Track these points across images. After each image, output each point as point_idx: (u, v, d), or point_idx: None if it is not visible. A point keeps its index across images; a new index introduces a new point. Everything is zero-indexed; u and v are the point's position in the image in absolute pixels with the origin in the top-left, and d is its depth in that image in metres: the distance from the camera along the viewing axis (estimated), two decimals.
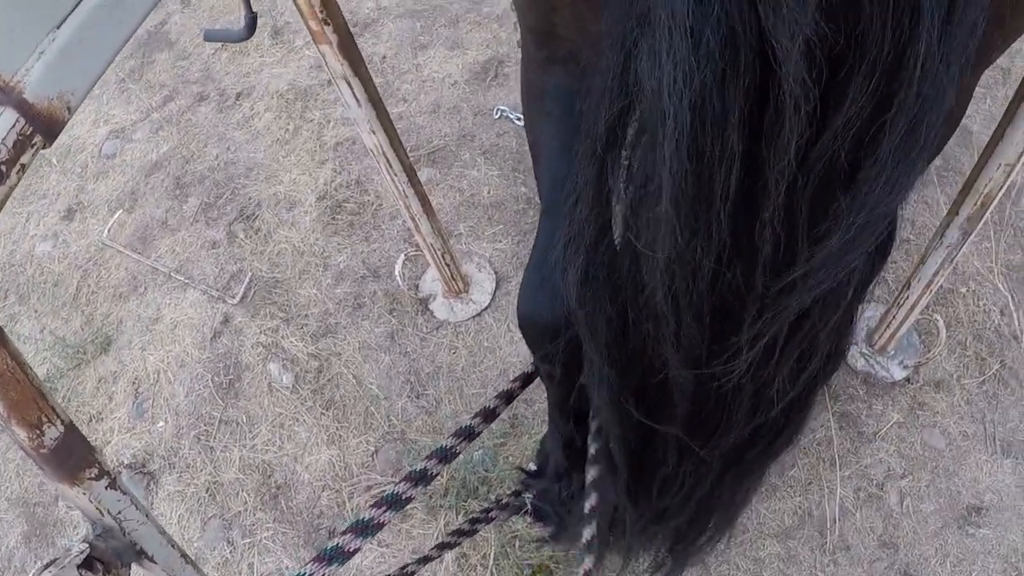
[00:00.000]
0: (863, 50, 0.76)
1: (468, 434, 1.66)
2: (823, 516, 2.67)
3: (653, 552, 1.99)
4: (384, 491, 2.80)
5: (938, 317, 2.82)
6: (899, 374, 2.88)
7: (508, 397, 1.79)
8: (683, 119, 0.80)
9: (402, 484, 1.46)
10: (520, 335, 1.67)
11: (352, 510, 2.80)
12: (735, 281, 0.97)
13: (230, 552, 2.81)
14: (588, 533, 1.54)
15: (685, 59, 0.77)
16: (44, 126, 0.95)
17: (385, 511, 1.41)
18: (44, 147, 0.96)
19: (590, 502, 1.58)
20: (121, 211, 3.79)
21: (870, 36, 0.75)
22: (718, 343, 1.06)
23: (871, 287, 1.09)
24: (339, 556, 1.33)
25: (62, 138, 3.49)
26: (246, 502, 2.89)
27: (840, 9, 0.73)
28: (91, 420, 3.21)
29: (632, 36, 0.85)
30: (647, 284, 1.03)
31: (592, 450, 1.62)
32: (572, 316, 1.23)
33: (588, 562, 1.48)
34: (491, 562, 2.64)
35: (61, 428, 1.10)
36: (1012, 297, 3.02)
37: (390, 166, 2.46)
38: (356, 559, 2.68)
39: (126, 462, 3.04)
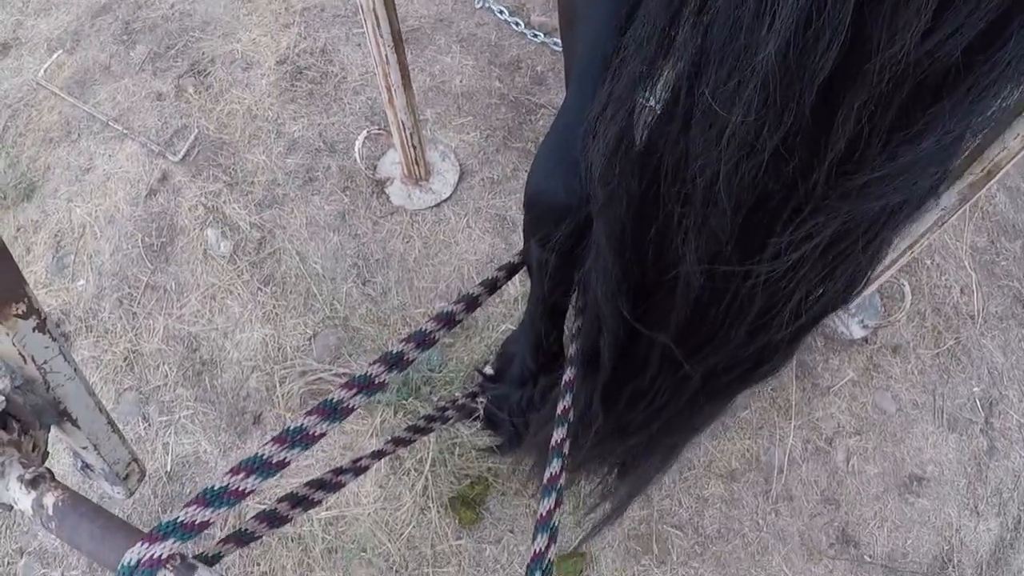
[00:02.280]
0: None
1: (448, 320, 1.49)
2: (770, 463, 2.64)
3: (602, 477, 1.93)
4: (320, 378, 2.64)
5: (904, 282, 2.79)
6: (858, 333, 2.87)
7: (492, 286, 1.64)
8: None
9: (376, 366, 1.27)
10: (524, 211, 1.53)
11: (283, 396, 2.62)
12: (791, 174, 0.87)
13: (144, 429, 2.63)
14: (558, 435, 1.39)
15: None
16: None
17: (356, 394, 1.22)
18: None
19: (564, 403, 1.43)
20: (61, 51, 3.51)
21: None
22: (747, 242, 0.96)
23: (915, 215, 0.97)
24: (302, 440, 1.14)
25: None
26: (167, 376, 2.70)
27: None
28: (20, 269, 2.96)
29: None
30: (697, 157, 0.91)
31: (570, 351, 1.50)
32: (592, 193, 1.12)
33: (556, 464, 1.33)
34: (427, 467, 2.51)
35: None
36: (974, 277, 3.04)
37: (378, 26, 2.28)
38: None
39: None
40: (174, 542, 0.96)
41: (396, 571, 2.39)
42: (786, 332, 1.10)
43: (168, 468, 2.53)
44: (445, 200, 3.01)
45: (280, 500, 1.38)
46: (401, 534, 2.42)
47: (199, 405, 2.64)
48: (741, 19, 0.80)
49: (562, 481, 1.34)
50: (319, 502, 1.45)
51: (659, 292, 1.15)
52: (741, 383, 1.32)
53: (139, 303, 2.83)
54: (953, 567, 2.54)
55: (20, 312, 1.02)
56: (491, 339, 2.68)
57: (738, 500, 2.57)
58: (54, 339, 1.08)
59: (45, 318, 1.06)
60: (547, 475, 1.34)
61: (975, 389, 2.83)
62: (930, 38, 0.73)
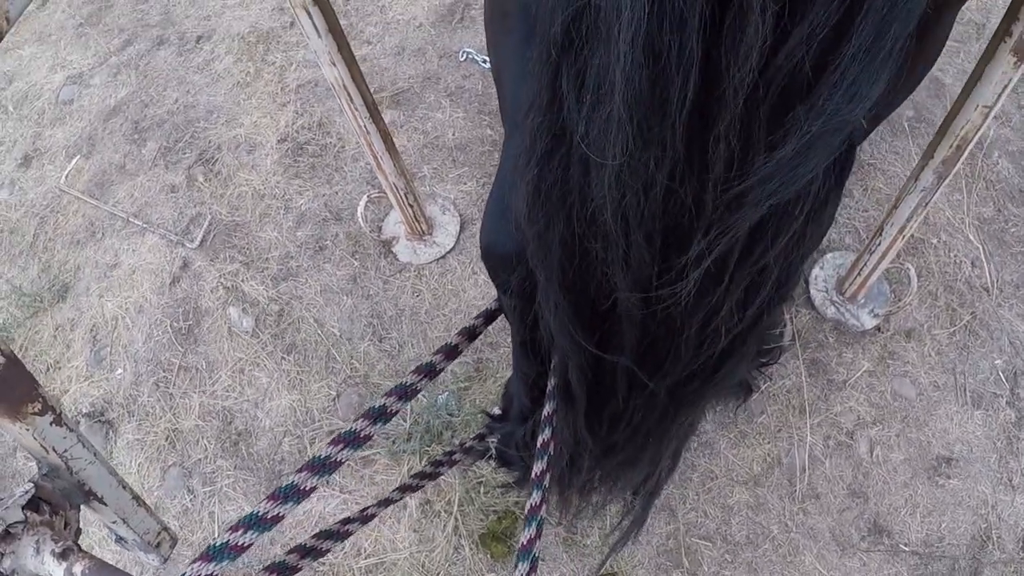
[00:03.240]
0: None
1: (429, 371, 1.58)
2: (792, 464, 2.65)
3: (605, 499, 1.99)
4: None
5: (910, 266, 2.77)
6: (870, 323, 2.86)
7: (471, 334, 1.72)
8: (639, 13, 0.76)
9: (360, 421, 1.38)
10: (484, 269, 1.61)
11: (302, 462, 2.74)
12: (686, 198, 0.93)
13: (191, 500, 2.76)
14: (538, 468, 1.48)
15: None
16: None
17: (343, 449, 1.33)
18: None
19: (543, 436, 1.53)
20: (79, 157, 3.70)
21: None
22: (667, 264, 1.01)
23: (825, 214, 1.03)
24: (294, 495, 1.25)
25: (18, 85, 3.41)
26: (206, 449, 2.84)
27: None
28: (48, 369, 3.15)
29: None
30: (596, 198, 0.97)
31: (550, 385, 1.56)
32: (522, 235, 1.17)
33: (536, 496, 1.42)
34: (455, 508, 2.60)
35: (1, 359, 1.05)
36: (983, 249, 3.00)
37: (351, 101, 2.39)
38: (318, 506, 2.64)
39: (85, 411, 2.98)
40: None
41: None
42: (731, 338, 1.15)
43: (216, 535, 2.66)
44: (449, 251, 3.12)
45: (290, 552, 1.48)
46: (438, 574, 2.52)
47: (239, 473, 2.77)
48: (599, 68, 0.86)
49: (542, 512, 1.42)
50: (327, 551, 1.56)
51: (609, 320, 1.20)
52: (704, 391, 1.36)
53: (174, 384, 2.98)
54: (993, 544, 2.50)
55: (36, 410, 1.14)
56: (503, 380, 2.75)
57: (764, 504, 2.58)
58: (71, 430, 1.21)
59: (60, 413, 1.19)
60: (528, 506, 1.43)
61: (997, 362, 2.79)
62: (778, 54, 0.79)
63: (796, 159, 0.84)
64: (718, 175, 0.89)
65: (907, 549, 2.51)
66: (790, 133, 0.83)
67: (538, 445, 1.52)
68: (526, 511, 1.41)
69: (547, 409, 1.55)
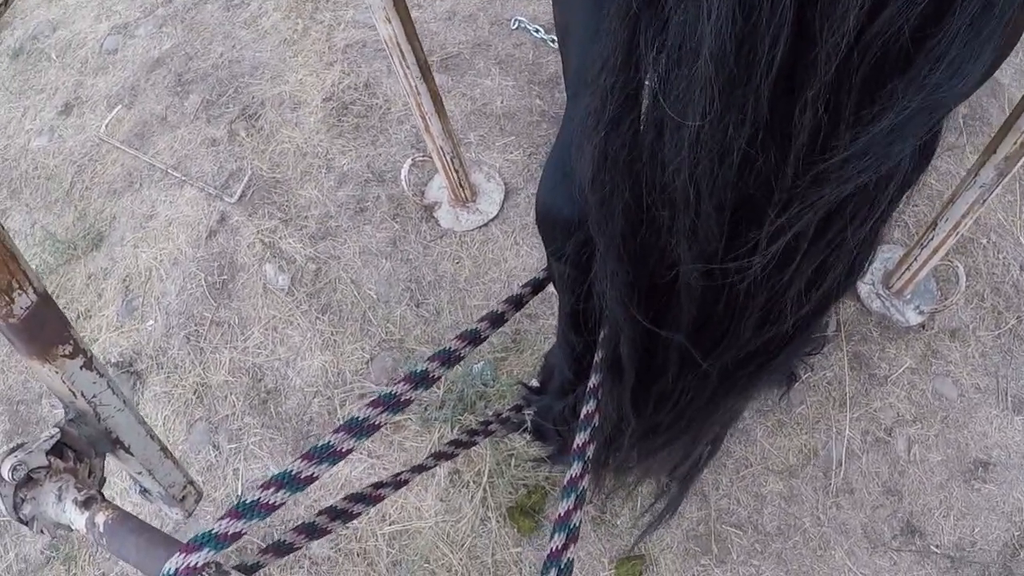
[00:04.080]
0: None
1: (473, 338, 1.54)
2: (829, 457, 2.61)
3: (640, 480, 1.96)
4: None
5: (958, 264, 2.73)
6: (915, 319, 2.82)
7: (517, 303, 1.68)
8: None
9: (401, 385, 1.33)
10: (527, 239, 1.56)
11: (344, 418, 2.70)
12: (765, 168, 0.88)
13: (215, 456, 2.72)
14: (581, 439, 1.43)
15: None
16: None
17: (382, 412, 1.28)
18: None
19: (587, 408, 1.48)
20: (120, 107, 3.67)
21: None
22: (736, 238, 0.97)
23: (908, 194, 0.97)
24: (329, 456, 1.21)
25: (62, 32, 3.38)
26: (234, 406, 2.80)
27: None
28: (79, 317, 3.12)
29: None
30: (670, 163, 0.93)
31: (598, 357, 1.52)
32: (584, 201, 1.13)
33: (577, 467, 1.37)
34: (485, 479, 2.56)
35: (33, 296, 1.03)
36: None
37: (404, 59, 2.34)
38: (345, 469, 2.60)
39: (113, 361, 2.95)
40: (209, 552, 1.04)
41: None
42: (792, 323, 1.11)
43: (239, 492, 2.63)
44: (492, 219, 3.07)
45: (319, 513, 1.43)
46: (462, 545, 2.48)
47: (266, 431, 2.73)
48: (685, 25, 0.82)
49: (584, 483, 1.37)
50: (358, 515, 1.51)
51: (667, 294, 1.17)
52: (757, 376, 1.32)
53: (205, 339, 2.94)
54: None
55: (67, 352, 1.10)
56: (542, 352, 2.71)
57: (797, 496, 2.55)
58: (101, 375, 1.16)
59: (91, 356, 1.14)
60: (568, 477, 1.38)
61: None
62: (876, 20, 0.74)
63: (892, 135, 0.80)
64: (801, 146, 0.84)
65: (938, 551, 2.47)
66: (887, 107, 0.78)
67: (582, 416, 1.47)
68: (565, 481, 1.36)
69: (593, 381, 1.51)
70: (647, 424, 1.55)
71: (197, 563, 1.03)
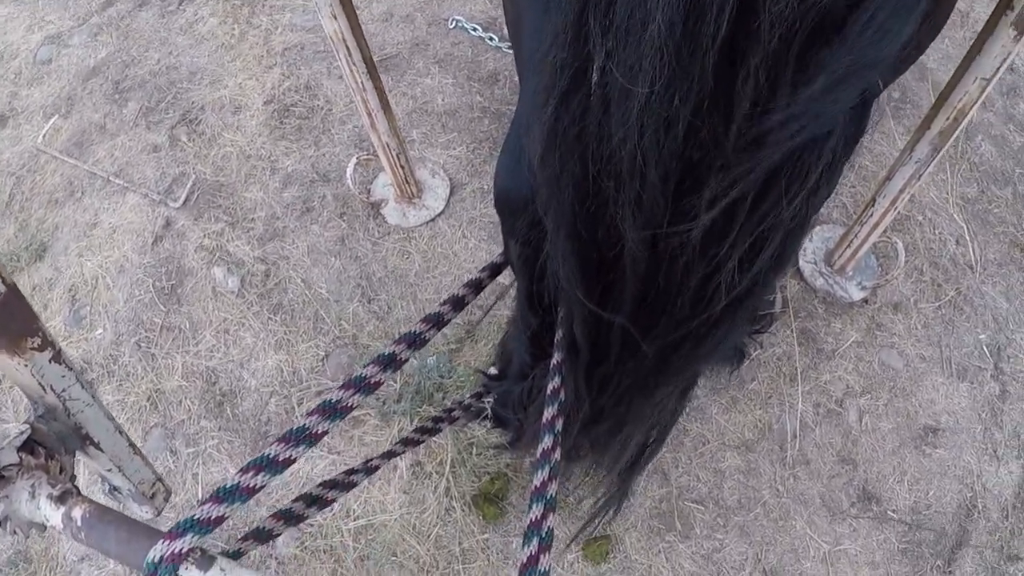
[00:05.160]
0: None
1: (437, 321, 1.57)
2: (783, 430, 2.68)
3: (592, 468, 2.02)
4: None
5: (897, 240, 2.81)
6: (858, 295, 2.91)
7: (477, 286, 1.71)
8: None
9: (371, 367, 1.36)
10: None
11: (303, 416, 2.70)
12: (708, 136, 0.92)
13: (173, 462, 2.71)
14: (549, 413, 1.46)
15: None
16: None
17: (354, 394, 1.31)
18: None
19: (553, 384, 1.51)
20: (57, 116, 3.63)
21: None
22: (679, 208, 1.00)
23: (839, 171, 1.01)
24: (307, 438, 1.23)
25: None
26: (189, 410, 2.79)
27: None
28: (31, 306, 3.06)
29: None
30: (617, 134, 0.95)
31: (558, 335, 1.55)
32: (534, 177, 1.15)
33: (547, 441, 1.40)
34: (447, 469, 2.58)
35: (2, 288, 1.02)
36: (967, 228, 3.08)
37: (350, 55, 2.36)
38: (306, 467, 2.61)
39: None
40: (193, 536, 1.05)
41: (427, 571, 2.46)
42: (725, 302, 1.14)
43: (200, 496, 2.61)
44: (439, 215, 3.09)
45: (295, 500, 1.46)
46: (429, 535, 2.50)
47: (223, 434, 2.72)
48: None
49: (556, 456, 1.41)
50: (332, 501, 1.53)
51: (613, 272, 1.20)
52: (693, 356, 1.35)
53: (156, 344, 2.92)
54: (979, 513, 2.56)
55: (36, 345, 1.09)
56: (495, 342, 2.74)
57: (755, 469, 2.61)
58: (70, 368, 1.16)
59: (60, 350, 1.14)
60: (540, 449, 1.41)
61: (981, 336, 2.86)
62: None
63: (824, 97, 0.84)
64: (742, 113, 0.87)
65: (895, 516, 2.56)
66: (820, 71, 0.82)
67: (548, 391, 1.50)
68: (538, 454, 1.39)
69: (556, 358, 1.53)
70: (592, 409, 1.59)
71: (182, 549, 1.05)
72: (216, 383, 2.82)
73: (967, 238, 3.04)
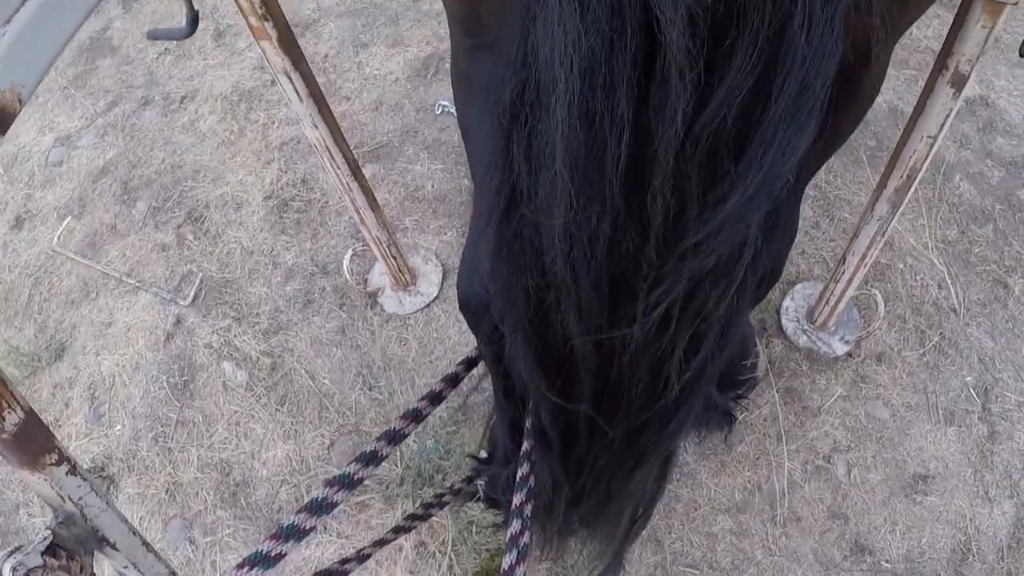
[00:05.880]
0: (745, 20, 0.79)
1: (415, 416, 1.71)
2: (772, 490, 2.74)
3: (586, 540, 2.10)
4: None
5: (876, 292, 2.89)
6: (841, 349, 2.95)
7: (453, 380, 1.83)
8: (573, 84, 0.84)
9: (353, 465, 1.51)
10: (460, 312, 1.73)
11: (291, 513, 2.83)
12: (631, 249, 1.01)
13: (192, 551, 2.85)
14: (518, 499, 1.59)
15: (574, 27, 0.82)
16: None
17: (338, 491, 1.46)
18: None
19: (522, 470, 1.62)
20: (70, 218, 3.80)
21: (751, 6, 0.79)
22: (616, 311, 1.10)
23: (760, 262, 1.09)
24: (295, 534, 1.38)
25: (7, 147, 3.52)
26: (206, 501, 2.93)
27: None
28: (49, 426, 3.22)
29: (532, 10, 0.88)
30: (547, 252, 1.06)
31: (528, 424, 1.65)
32: (486, 290, 1.27)
33: (516, 525, 1.54)
34: (449, 548, 2.70)
35: (21, 414, 1.13)
36: (948, 271, 3.10)
37: (333, 160, 2.50)
38: (316, 551, 2.75)
39: (85, 467, 3.05)
40: None
41: None
42: (678, 389, 1.22)
43: None
44: (433, 300, 3.24)
45: None
46: None
47: (238, 523, 2.87)
48: (541, 135, 0.94)
49: (524, 540, 1.53)
50: None
51: (569, 367, 1.27)
52: (659, 441, 1.44)
53: (172, 439, 3.08)
54: (974, 556, 2.57)
55: (53, 461, 1.21)
56: (492, 421, 2.85)
57: (747, 530, 2.66)
58: (85, 479, 1.29)
59: (75, 463, 1.26)
60: (508, 534, 1.54)
61: (967, 379, 2.87)
62: (702, 114, 0.85)
63: (741, 211, 0.92)
64: (658, 228, 0.96)
65: (889, 566, 2.59)
66: (733, 188, 0.90)
67: (518, 477, 1.61)
68: (507, 539, 1.50)
69: (525, 446, 1.64)
70: (574, 489, 1.67)
71: None
72: (230, 474, 2.98)
73: (948, 281, 3.07)
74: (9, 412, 1.09)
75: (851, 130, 1.53)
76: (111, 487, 3.03)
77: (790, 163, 0.90)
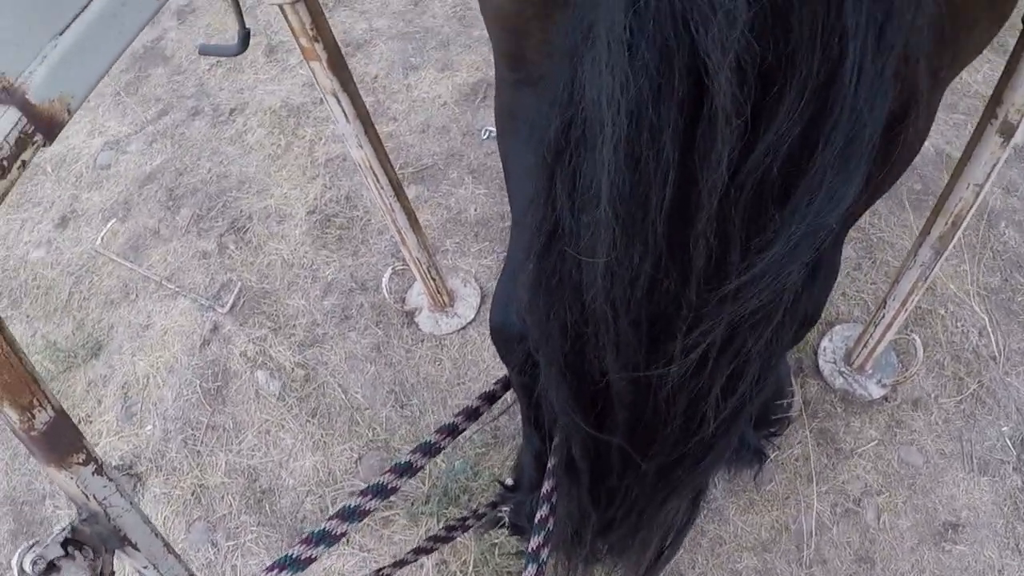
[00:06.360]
0: (793, 68, 0.79)
1: (451, 431, 1.72)
2: (800, 530, 2.71)
3: (612, 568, 2.09)
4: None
5: (915, 337, 2.85)
6: (877, 392, 2.92)
7: (491, 398, 1.84)
8: (620, 126, 0.84)
9: (387, 475, 1.53)
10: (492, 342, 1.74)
11: (325, 520, 2.84)
12: (671, 289, 1.00)
13: (214, 554, 2.87)
14: (535, 542, 1.60)
15: (622, 70, 0.81)
16: (45, 126, 1.01)
17: (371, 499, 1.48)
18: (44, 145, 1.02)
19: (541, 512, 1.63)
20: (114, 220, 3.87)
21: (800, 55, 0.78)
22: (654, 350, 1.09)
23: (799, 306, 1.09)
24: (325, 539, 1.40)
25: (57, 148, 3.58)
26: (231, 505, 2.95)
27: (769, 28, 0.77)
28: (80, 422, 3.26)
29: (579, 50, 0.89)
30: (588, 290, 1.06)
31: (551, 463, 1.66)
32: (524, 322, 1.28)
33: (530, 569, 1.54)
34: (471, 569, 2.70)
35: (52, 413, 1.16)
36: (990, 319, 3.08)
37: (377, 180, 2.53)
38: (338, 563, 2.75)
39: (114, 464, 3.09)
40: None
41: None
42: (715, 426, 1.21)
43: None
44: (470, 323, 3.26)
45: None
46: None
47: (262, 529, 2.88)
48: (587, 175, 0.95)
49: (545, 553, 1.55)
50: None
51: (605, 400, 1.27)
52: (692, 476, 1.44)
53: (202, 442, 3.11)
54: None
55: (81, 460, 1.23)
56: (519, 447, 2.86)
57: (772, 570, 2.63)
58: (111, 479, 1.31)
59: (101, 463, 1.29)
60: (531, 546, 1.56)
61: (1004, 429, 2.83)
62: (747, 160, 0.85)
63: (784, 258, 0.91)
64: (699, 270, 0.96)
65: None
66: (777, 236, 0.90)
67: (536, 520, 1.63)
68: (529, 550, 1.53)
69: (546, 487, 1.65)
70: (603, 519, 1.66)
71: None
72: (257, 481, 3.00)
73: (989, 329, 3.04)
74: (40, 410, 1.12)
75: (896, 177, 1.53)
76: (138, 485, 3.05)
77: (836, 212, 0.90)
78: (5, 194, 0.97)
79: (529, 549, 1.58)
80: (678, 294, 1.01)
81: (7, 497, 3.15)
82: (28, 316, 3.66)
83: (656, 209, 0.90)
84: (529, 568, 1.54)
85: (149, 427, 3.19)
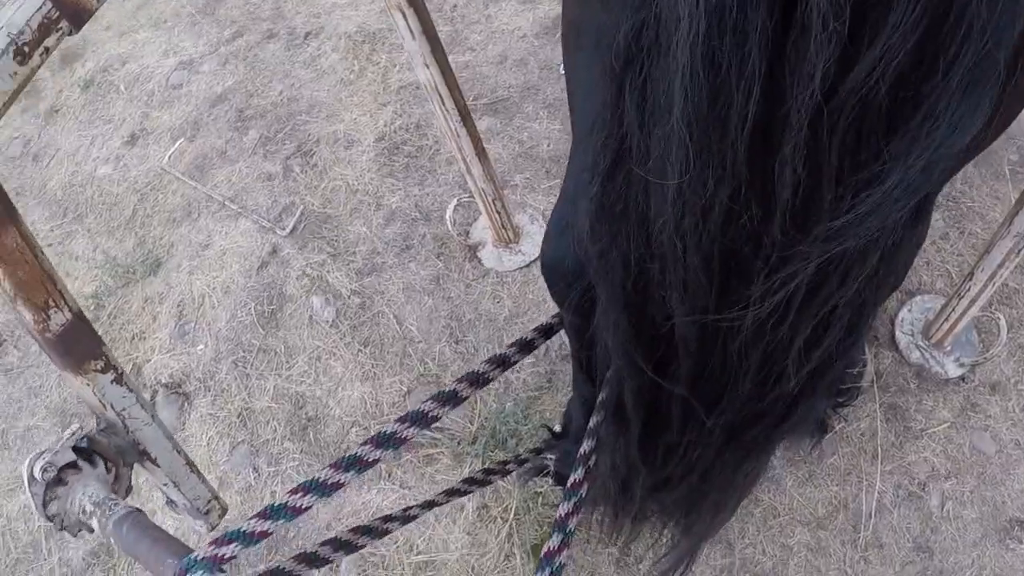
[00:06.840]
0: None
1: (502, 361, 1.61)
2: (859, 510, 2.58)
3: (660, 529, 1.95)
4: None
5: (1000, 316, 2.70)
6: (954, 371, 2.77)
7: (547, 331, 1.72)
8: (698, 22, 0.73)
9: (429, 403, 1.42)
10: (543, 277, 1.62)
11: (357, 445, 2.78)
12: (750, 224, 0.89)
13: (255, 478, 2.82)
14: (575, 477, 1.47)
15: None
16: (71, 11, 0.96)
17: (409, 427, 1.36)
18: (70, 33, 0.97)
19: (584, 447, 1.51)
20: (183, 139, 3.84)
21: None
22: (727, 293, 0.98)
23: (899, 255, 0.98)
24: (356, 464, 1.30)
25: (131, 66, 3.54)
26: (276, 431, 2.90)
27: None
28: (134, 338, 3.25)
29: None
30: (656, 219, 0.95)
31: (601, 396, 1.53)
32: (584, 252, 1.15)
33: (568, 504, 1.42)
34: (512, 515, 2.61)
35: (69, 315, 1.12)
36: None
37: (443, 103, 2.43)
38: (376, 498, 2.68)
39: (163, 381, 3.07)
40: (237, 546, 1.12)
41: None
42: (796, 383, 1.10)
43: None
44: (534, 260, 3.14)
45: (322, 544, 1.48)
46: None
47: (304, 457, 2.83)
48: (660, 82, 0.83)
49: (573, 523, 1.42)
50: (362, 546, 1.57)
51: (667, 344, 1.16)
52: (768, 438, 1.33)
53: (252, 365, 3.06)
54: None
55: (99, 368, 1.19)
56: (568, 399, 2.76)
57: (825, 548, 2.52)
58: (131, 390, 1.25)
59: (122, 372, 1.24)
60: (559, 513, 1.43)
61: None
62: (848, 77, 0.73)
63: (896, 195, 0.79)
64: (785, 203, 0.84)
65: None
66: (891, 168, 0.78)
67: (579, 453, 1.51)
68: (556, 518, 1.41)
69: (593, 420, 1.53)
70: (656, 476, 1.55)
71: (225, 554, 1.12)
72: (303, 408, 2.93)
73: None
74: (56, 311, 1.09)
75: (1013, 118, 1.34)
76: (185, 404, 3.02)
77: (959, 144, 0.76)
78: (26, 81, 0.94)
79: (569, 484, 1.47)
80: (758, 230, 0.89)
81: (57, 409, 3.15)
82: (90, 231, 3.65)
83: (737, 127, 0.78)
84: (566, 503, 1.41)
85: (201, 347, 3.15)
